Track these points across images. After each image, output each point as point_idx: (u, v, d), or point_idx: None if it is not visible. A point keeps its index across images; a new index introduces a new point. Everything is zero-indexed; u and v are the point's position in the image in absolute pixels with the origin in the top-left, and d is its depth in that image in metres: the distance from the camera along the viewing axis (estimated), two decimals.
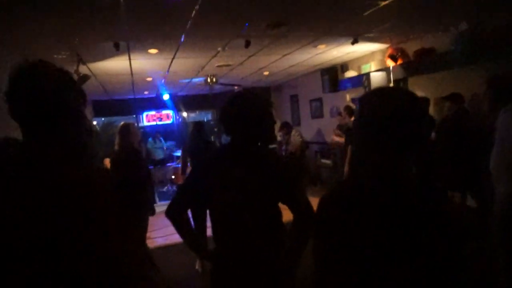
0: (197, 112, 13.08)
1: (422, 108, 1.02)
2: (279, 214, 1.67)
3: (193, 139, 4.57)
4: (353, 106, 6.53)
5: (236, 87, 9.35)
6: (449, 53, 4.49)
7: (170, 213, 1.74)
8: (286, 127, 8.10)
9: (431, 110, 4.98)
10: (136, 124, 3.95)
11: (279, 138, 8.76)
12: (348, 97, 7.20)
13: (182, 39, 4.23)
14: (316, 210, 1.02)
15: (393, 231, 0.90)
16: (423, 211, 0.93)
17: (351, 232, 0.91)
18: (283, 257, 1.63)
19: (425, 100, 4.96)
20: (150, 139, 10.27)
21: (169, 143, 10.77)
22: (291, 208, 1.67)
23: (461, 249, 0.93)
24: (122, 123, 3.90)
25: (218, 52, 5.09)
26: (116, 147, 3.77)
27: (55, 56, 4.44)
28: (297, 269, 1.64)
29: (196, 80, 7.58)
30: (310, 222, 1.57)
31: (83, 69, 4.80)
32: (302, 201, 1.65)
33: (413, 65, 5.26)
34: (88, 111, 9.30)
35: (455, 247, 0.92)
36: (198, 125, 4.66)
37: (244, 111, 1.57)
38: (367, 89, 5.72)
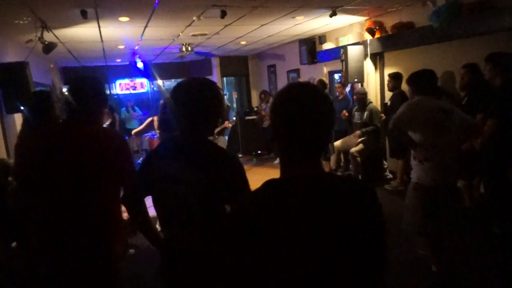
0: (173, 80, 12.74)
1: (330, 104, 1.00)
2: (219, 211, 1.58)
3: (162, 115, 4.45)
4: (326, 80, 6.54)
5: (213, 56, 9.15)
6: (427, 27, 4.49)
7: (126, 200, 1.73)
8: (265, 95, 8.09)
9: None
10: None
11: (258, 107, 8.77)
12: (325, 69, 7.17)
13: (156, 7, 4.02)
14: (241, 208, 0.98)
15: (314, 229, 0.87)
16: (344, 205, 0.92)
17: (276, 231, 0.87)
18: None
19: (398, 76, 5.03)
20: (123, 109, 9.98)
21: (144, 112, 10.52)
22: (232, 203, 1.57)
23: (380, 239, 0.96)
24: None
25: (193, 21, 4.90)
26: None
27: (16, 21, 4.15)
28: None
29: (171, 48, 7.32)
30: None
31: (48, 36, 4.52)
32: (243, 197, 1.58)
33: (390, 39, 5.25)
34: (58, 78, 8.90)
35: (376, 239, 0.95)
36: (166, 102, 4.51)
37: (184, 101, 1.53)
38: (344, 63, 5.71)
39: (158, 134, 4.52)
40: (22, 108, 4.00)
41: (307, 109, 0.93)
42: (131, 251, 3.78)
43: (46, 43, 4.36)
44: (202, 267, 1.52)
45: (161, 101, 4.50)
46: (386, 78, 5.31)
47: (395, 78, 5.02)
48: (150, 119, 5.53)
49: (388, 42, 5.31)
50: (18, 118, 4.72)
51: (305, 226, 0.87)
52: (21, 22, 4.14)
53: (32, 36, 4.38)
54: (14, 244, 3.58)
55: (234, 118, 8.57)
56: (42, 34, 4.25)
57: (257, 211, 0.89)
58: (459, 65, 4.01)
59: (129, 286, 3.26)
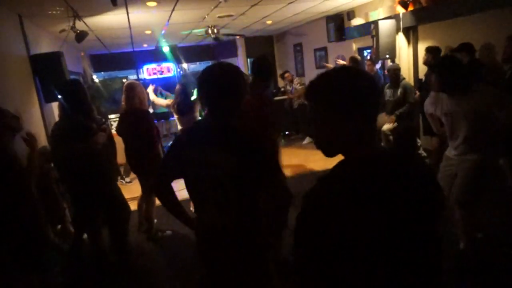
0: (198, 63, 12.78)
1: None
2: (255, 189, 1.62)
3: (180, 99, 4.43)
4: (359, 57, 6.33)
5: (238, 37, 9.05)
6: None
7: (155, 188, 1.77)
8: (288, 76, 8.01)
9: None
10: (139, 82, 3.84)
11: (284, 88, 8.69)
12: (354, 46, 6.96)
13: None
14: (308, 197, 0.99)
15: (390, 218, 0.89)
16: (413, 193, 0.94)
17: (348, 221, 0.88)
18: (261, 233, 1.66)
19: (436, 49, 4.78)
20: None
21: (172, 96, 10.64)
22: (265, 187, 1.62)
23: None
24: (126, 82, 3.82)
25: (220, 3, 4.84)
26: (122, 107, 3.73)
27: (50, 12, 4.25)
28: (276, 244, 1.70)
29: (196, 31, 7.30)
30: (285, 201, 1.63)
31: (79, 24, 4.61)
32: (276, 180, 1.62)
33: (425, 11, 5.00)
34: (88, 66, 9.12)
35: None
36: (183, 86, 4.48)
37: (210, 87, 1.57)
38: (374, 38, 5.51)
39: (176, 119, 4.54)
40: (59, 96, 4.14)
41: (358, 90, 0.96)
42: (168, 232, 3.92)
43: (78, 32, 4.46)
44: (235, 246, 1.60)
45: (177, 86, 4.50)
46: (421, 52, 5.09)
47: (433, 52, 4.78)
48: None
49: (423, 15, 5.06)
50: (55, 107, 4.90)
51: (382, 205, 0.89)
52: (54, 12, 4.24)
53: (64, 26, 4.48)
54: (59, 226, 3.79)
55: None
56: (74, 23, 4.34)
57: (337, 193, 0.92)
58: (500, 37, 3.77)
59: (167, 263, 3.40)
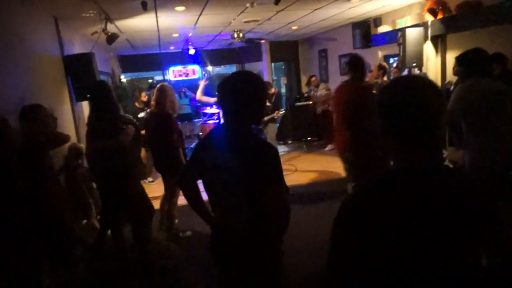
0: (222, 67, 12.93)
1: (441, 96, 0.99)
2: (262, 195, 1.66)
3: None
4: (386, 65, 6.25)
5: (263, 41, 9.10)
6: (496, 6, 4.12)
7: (180, 184, 1.89)
8: (314, 80, 7.99)
9: None
10: (170, 85, 3.92)
11: (307, 93, 8.67)
12: (380, 54, 6.87)
13: None
14: (346, 203, 1.00)
15: (427, 227, 0.88)
16: (460, 204, 0.91)
17: (385, 228, 0.89)
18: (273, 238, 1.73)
19: (501, 56, 4.35)
20: (176, 95, 10.29)
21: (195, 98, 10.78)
22: (265, 198, 1.64)
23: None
24: (160, 85, 3.88)
25: (246, 8, 4.91)
26: (152, 107, 3.82)
27: (83, 14, 4.42)
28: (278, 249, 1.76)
29: (222, 35, 7.40)
30: (282, 217, 1.67)
31: (110, 27, 4.78)
32: (274, 193, 1.65)
33: (454, 19, 4.89)
34: (117, 67, 9.38)
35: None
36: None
37: (227, 97, 1.66)
38: (401, 46, 5.43)
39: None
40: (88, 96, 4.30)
41: (417, 98, 0.95)
42: (188, 233, 3.98)
43: (109, 34, 4.62)
44: (246, 244, 1.67)
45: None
46: (449, 61, 4.98)
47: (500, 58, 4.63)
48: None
49: (452, 23, 4.96)
50: (85, 106, 5.08)
51: (419, 218, 0.89)
52: (88, 15, 4.41)
53: (96, 28, 4.65)
54: (84, 221, 3.92)
55: (284, 108, 8.56)
56: (105, 25, 4.50)
57: (375, 201, 0.92)
58: None
59: (186, 262, 3.46)
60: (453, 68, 4.91)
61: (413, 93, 0.96)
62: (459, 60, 2.77)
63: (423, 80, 1.01)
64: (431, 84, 1.00)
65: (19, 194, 1.95)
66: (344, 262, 0.93)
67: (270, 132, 6.21)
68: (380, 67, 5.83)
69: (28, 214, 1.99)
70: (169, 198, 3.85)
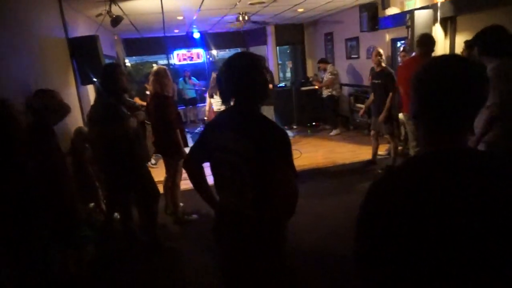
0: (227, 50, 12.80)
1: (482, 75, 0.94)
2: (269, 178, 1.62)
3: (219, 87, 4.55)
4: (382, 51, 6.10)
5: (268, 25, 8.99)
6: None
7: (186, 166, 1.89)
8: (322, 64, 7.86)
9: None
10: (167, 68, 3.94)
11: (313, 77, 8.55)
12: (387, 36, 6.76)
13: None
14: (370, 193, 0.95)
15: (460, 220, 0.80)
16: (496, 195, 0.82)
17: (414, 219, 0.83)
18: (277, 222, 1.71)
19: None
20: (181, 79, 10.26)
21: (201, 82, 10.72)
22: (273, 180, 1.61)
23: None
24: (155, 68, 3.91)
25: None
26: (150, 90, 3.86)
27: None
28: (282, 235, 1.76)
29: (227, 17, 7.30)
30: (286, 207, 1.60)
31: (115, 9, 4.72)
32: (282, 176, 1.61)
33: (465, 0, 4.77)
34: (121, 50, 9.32)
35: None
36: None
37: (231, 77, 1.65)
38: (409, 29, 5.33)
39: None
40: (94, 80, 4.28)
41: (455, 80, 0.90)
42: (194, 216, 4.02)
43: (114, 16, 4.57)
44: (250, 228, 1.67)
45: (213, 74, 4.60)
46: (459, 45, 4.89)
47: (472, 47, 4.58)
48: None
49: (463, 5, 4.84)
50: (91, 89, 5.07)
51: (452, 205, 0.82)
52: None
53: (101, 10, 4.59)
54: (92, 204, 3.96)
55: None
56: (110, 7, 4.45)
57: (405, 187, 0.87)
58: None
59: (192, 245, 3.50)
60: (462, 52, 4.85)
61: (455, 74, 0.90)
62: (476, 39, 2.60)
63: (467, 61, 0.94)
64: (476, 66, 0.94)
65: (29, 174, 1.96)
66: (371, 251, 0.89)
67: (266, 113, 6.19)
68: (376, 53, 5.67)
69: (38, 194, 2.01)
70: (171, 180, 3.89)
